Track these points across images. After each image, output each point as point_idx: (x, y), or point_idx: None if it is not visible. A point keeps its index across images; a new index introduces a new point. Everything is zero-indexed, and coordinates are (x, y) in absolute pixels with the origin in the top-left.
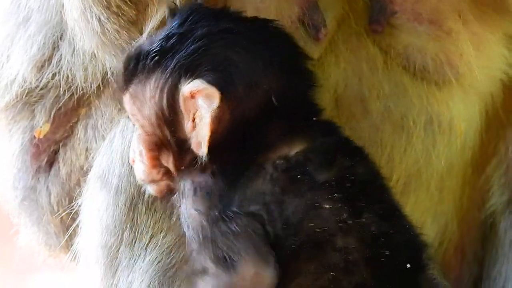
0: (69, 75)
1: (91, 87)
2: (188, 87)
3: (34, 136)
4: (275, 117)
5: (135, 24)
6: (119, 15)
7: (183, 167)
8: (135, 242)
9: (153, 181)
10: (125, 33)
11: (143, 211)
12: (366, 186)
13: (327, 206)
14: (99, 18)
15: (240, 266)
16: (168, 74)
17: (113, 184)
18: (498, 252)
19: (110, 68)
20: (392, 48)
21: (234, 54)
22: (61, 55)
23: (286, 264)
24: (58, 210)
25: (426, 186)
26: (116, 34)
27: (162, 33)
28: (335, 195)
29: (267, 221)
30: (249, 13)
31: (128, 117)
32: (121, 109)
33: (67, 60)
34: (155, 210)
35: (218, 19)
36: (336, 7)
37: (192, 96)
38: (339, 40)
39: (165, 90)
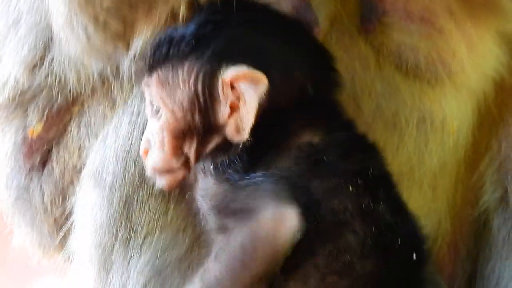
0: (62, 76)
1: (84, 88)
2: (230, 71)
3: (27, 135)
4: (302, 107)
5: (122, 38)
6: (106, 28)
7: (204, 154)
8: (129, 240)
9: (169, 171)
10: (111, 44)
11: (137, 209)
12: (380, 178)
13: (350, 188)
14: (85, 28)
15: (260, 212)
16: (205, 59)
17: (107, 182)
18: (491, 250)
19: (99, 72)
20: (384, 47)
21: (273, 43)
22: (52, 56)
23: (305, 244)
24: (52, 210)
25: (419, 184)
26: (103, 45)
27: (196, 20)
28: (358, 180)
29: (296, 187)
30: None
31: (149, 105)
32: (138, 93)
33: (59, 62)
34: (149, 208)
35: (253, 10)
36: (328, 6)
37: (234, 81)
38: (332, 39)
39: (201, 75)
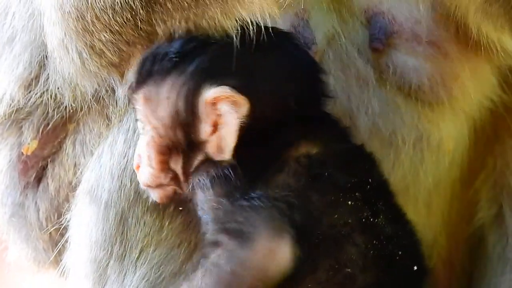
0: (58, 94)
1: (79, 106)
2: (212, 91)
3: (22, 152)
4: (296, 118)
5: (116, 67)
6: (102, 57)
7: (191, 170)
8: (124, 256)
9: (159, 186)
10: (106, 71)
11: (132, 225)
12: (379, 190)
13: (350, 202)
14: (80, 53)
15: (254, 239)
16: (188, 77)
17: (103, 198)
18: (486, 266)
19: (93, 91)
20: (387, 67)
21: (257, 60)
22: (48, 74)
23: (306, 258)
24: (47, 226)
25: (414, 202)
26: (97, 70)
27: (182, 37)
28: (356, 194)
29: (295, 207)
30: None
31: (137, 119)
32: (132, 111)
33: (54, 80)
34: (144, 224)
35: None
36: (326, 26)
37: (216, 101)
38: (329, 59)
39: (183, 92)
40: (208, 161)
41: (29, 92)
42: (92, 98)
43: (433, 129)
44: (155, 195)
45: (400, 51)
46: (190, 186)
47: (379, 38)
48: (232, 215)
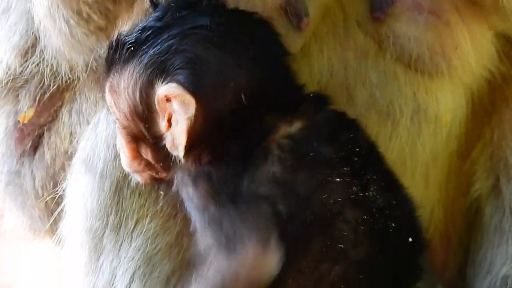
0: (54, 64)
1: (75, 75)
2: (163, 90)
3: (19, 121)
4: (265, 102)
5: (104, 31)
6: (89, 22)
7: (163, 161)
8: (120, 226)
9: (136, 172)
10: (94, 37)
11: (128, 195)
12: (368, 158)
13: (338, 179)
14: (68, 21)
15: (240, 249)
16: (142, 69)
17: (98, 168)
18: (483, 237)
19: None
20: (387, 37)
21: (204, 51)
22: (44, 44)
23: (298, 239)
24: (43, 195)
25: (411, 174)
26: (84, 37)
27: (140, 25)
28: (344, 168)
29: (279, 200)
30: (233, 1)
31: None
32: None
33: (50, 50)
34: (140, 195)
35: (197, 14)
36: None
37: (168, 99)
38: (323, 30)
39: (139, 85)
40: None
41: (26, 60)
42: (88, 68)
43: (431, 100)
44: (137, 179)
45: (400, 20)
46: (175, 180)
47: (381, 8)
48: (219, 222)
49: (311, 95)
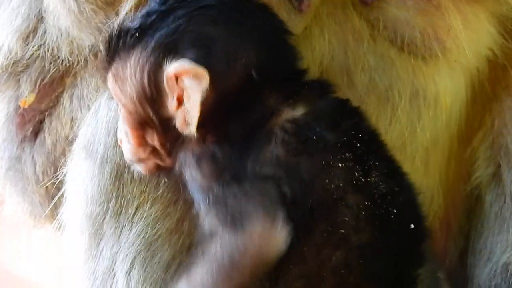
0: (55, 48)
1: (77, 59)
2: (173, 66)
3: (19, 106)
4: (270, 83)
5: (112, 5)
6: None
7: (169, 144)
8: (120, 212)
9: (140, 160)
10: (102, 13)
11: (128, 181)
12: (370, 144)
13: (340, 164)
14: None
15: (247, 225)
16: (149, 52)
17: (99, 153)
18: (483, 225)
19: (91, 45)
20: (379, 21)
21: (212, 30)
22: (45, 27)
23: (301, 224)
24: (43, 180)
25: (411, 160)
26: (93, 14)
27: (143, 10)
28: (346, 154)
29: (283, 182)
30: None
31: (112, 97)
32: (105, 87)
33: (52, 33)
34: (140, 181)
35: None
36: None
37: (177, 75)
38: (324, 13)
39: (146, 68)
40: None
41: (27, 44)
42: (90, 52)
43: (429, 83)
44: (140, 169)
45: (390, 4)
46: (177, 162)
47: None
48: (223, 201)
49: (314, 81)
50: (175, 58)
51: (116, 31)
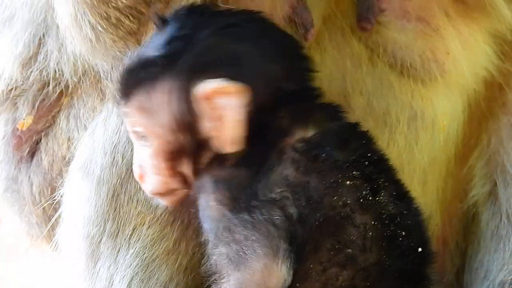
0: (57, 70)
1: (79, 80)
2: (202, 87)
3: (17, 128)
4: (285, 103)
5: (134, 35)
6: (118, 27)
7: (200, 169)
8: (117, 233)
9: (169, 192)
10: (122, 43)
11: (125, 202)
12: (379, 165)
13: (348, 182)
14: (94, 27)
15: (251, 261)
16: (178, 76)
17: (95, 174)
18: (480, 243)
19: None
20: (378, 46)
21: (242, 48)
22: (47, 50)
23: (307, 241)
24: (40, 200)
25: (409, 180)
26: (112, 44)
27: (162, 38)
28: (354, 172)
29: (290, 202)
30: None
31: (132, 132)
32: (124, 121)
33: (55, 56)
34: (137, 201)
35: (217, 16)
36: (322, 5)
37: (211, 95)
38: (324, 38)
39: (177, 93)
40: (216, 159)
41: (27, 70)
42: (87, 73)
43: (427, 106)
44: (165, 201)
45: (389, 29)
46: (196, 188)
47: (367, 17)
48: (232, 235)
49: (327, 103)
50: (206, 78)
51: (133, 64)
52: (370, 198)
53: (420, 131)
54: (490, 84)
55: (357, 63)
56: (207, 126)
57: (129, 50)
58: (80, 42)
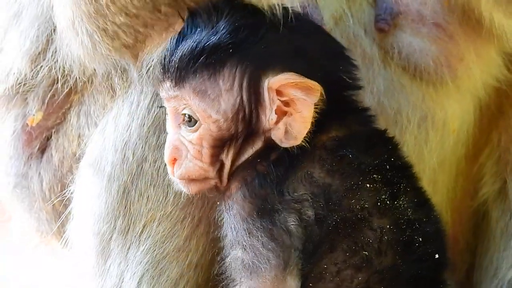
0: (65, 67)
1: (84, 77)
2: (277, 79)
3: (27, 124)
4: (331, 102)
5: (130, 49)
6: (114, 39)
7: (240, 161)
8: (128, 230)
9: (203, 179)
10: (117, 54)
11: (136, 199)
12: (403, 172)
13: (368, 185)
14: (91, 35)
15: (264, 272)
16: (247, 66)
17: (106, 171)
18: (489, 241)
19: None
20: (393, 48)
21: (310, 45)
22: (55, 47)
23: (323, 241)
24: (50, 197)
25: None
26: (107, 52)
27: (225, 26)
28: (375, 176)
29: (309, 204)
30: None
31: (176, 115)
32: (141, 86)
33: (63, 53)
34: (148, 198)
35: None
36: (334, 6)
37: (282, 88)
38: (336, 37)
39: (245, 83)
40: (261, 154)
41: (36, 65)
42: (105, 75)
43: (438, 108)
44: (191, 188)
45: (405, 32)
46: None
47: (385, 19)
48: (252, 237)
49: (362, 108)
50: (277, 71)
51: (189, 49)
52: (389, 202)
53: (430, 133)
54: (500, 87)
55: (369, 64)
56: (270, 118)
57: (125, 60)
58: (77, 46)
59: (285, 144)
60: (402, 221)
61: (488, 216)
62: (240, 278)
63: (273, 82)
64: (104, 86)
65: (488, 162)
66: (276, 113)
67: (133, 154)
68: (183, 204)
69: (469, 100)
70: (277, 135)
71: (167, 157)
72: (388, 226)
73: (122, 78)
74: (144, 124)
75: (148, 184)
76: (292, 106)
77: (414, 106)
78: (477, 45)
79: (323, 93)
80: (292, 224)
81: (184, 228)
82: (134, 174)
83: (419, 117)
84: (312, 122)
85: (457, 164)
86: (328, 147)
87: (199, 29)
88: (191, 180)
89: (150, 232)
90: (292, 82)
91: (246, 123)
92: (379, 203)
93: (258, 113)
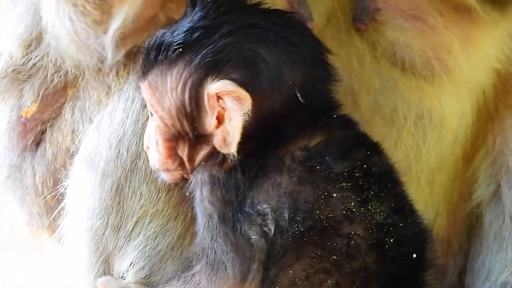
0: (58, 59)
1: (79, 72)
2: (215, 86)
3: (22, 115)
4: (297, 110)
5: (101, 24)
6: (85, 15)
7: (198, 160)
8: (120, 226)
9: (167, 170)
10: (93, 32)
11: (129, 195)
12: (380, 178)
13: (335, 194)
14: (70, 17)
15: (222, 278)
16: (193, 69)
17: (100, 167)
18: (482, 244)
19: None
20: (379, 44)
21: (262, 50)
22: (49, 40)
23: (289, 248)
24: (43, 191)
25: (416, 181)
26: (85, 34)
27: (185, 24)
28: (343, 184)
29: (272, 216)
30: None
31: (145, 105)
32: (136, 83)
33: (55, 47)
34: (141, 195)
35: (242, 12)
36: (324, 2)
37: (220, 95)
38: (328, 36)
39: (188, 84)
40: (215, 156)
41: (29, 52)
42: (92, 68)
43: (434, 105)
44: (164, 177)
45: (388, 28)
46: (194, 179)
47: (361, 18)
48: (215, 237)
49: (339, 114)
50: (219, 77)
51: (155, 43)
52: (357, 209)
53: (428, 131)
54: (500, 81)
55: (363, 61)
56: (210, 122)
57: (101, 42)
58: (63, 34)
59: (223, 150)
60: (370, 225)
61: (481, 219)
62: (202, 270)
63: (211, 88)
64: (99, 82)
65: (483, 165)
66: (216, 119)
67: (127, 150)
68: (175, 202)
69: (466, 95)
70: (216, 141)
71: (144, 145)
72: (356, 232)
73: (117, 75)
74: (138, 120)
75: (142, 181)
76: (226, 114)
77: (410, 103)
78: (465, 33)
79: (253, 104)
80: (254, 237)
81: (177, 226)
82: (128, 171)
83: (416, 115)
84: (275, 133)
85: (455, 166)
86: (296, 158)
87: (178, 22)
88: (159, 170)
89: (142, 229)
90: (225, 91)
91: (190, 124)
92: (347, 211)
93: (201, 116)
